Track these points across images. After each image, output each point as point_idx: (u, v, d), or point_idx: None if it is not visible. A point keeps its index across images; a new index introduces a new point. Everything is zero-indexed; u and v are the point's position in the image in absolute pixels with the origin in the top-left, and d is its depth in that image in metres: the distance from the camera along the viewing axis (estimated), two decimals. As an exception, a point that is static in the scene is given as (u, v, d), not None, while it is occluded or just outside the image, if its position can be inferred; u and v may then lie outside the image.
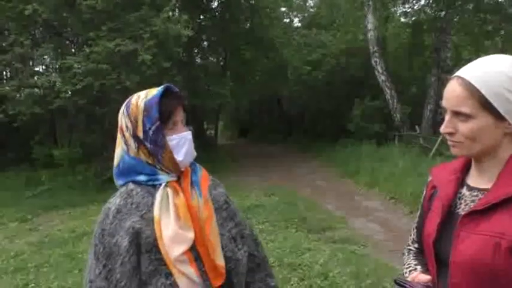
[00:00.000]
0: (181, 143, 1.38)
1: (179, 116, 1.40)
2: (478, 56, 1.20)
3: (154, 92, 1.38)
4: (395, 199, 8.28)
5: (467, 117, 1.13)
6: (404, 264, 1.40)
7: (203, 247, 1.33)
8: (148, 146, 1.35)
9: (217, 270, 1.34)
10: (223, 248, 1.39)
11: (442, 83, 14.63)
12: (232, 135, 30.37)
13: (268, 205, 7.98)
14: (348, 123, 16.61)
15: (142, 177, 1.37)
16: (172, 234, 1.28)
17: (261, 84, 21.39)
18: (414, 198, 7.17)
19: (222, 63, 20.31)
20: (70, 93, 10.92)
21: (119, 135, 1.42)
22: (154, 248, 1.29)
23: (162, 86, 1.39)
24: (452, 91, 1.16)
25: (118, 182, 1.41)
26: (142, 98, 1.38)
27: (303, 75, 19.33)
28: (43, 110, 11.12)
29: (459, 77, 1.15)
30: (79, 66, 10.65)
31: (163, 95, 1.37)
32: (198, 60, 18.96)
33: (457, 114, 1.15)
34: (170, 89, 1.41)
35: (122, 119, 1.40)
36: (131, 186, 1.38)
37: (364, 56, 16.96)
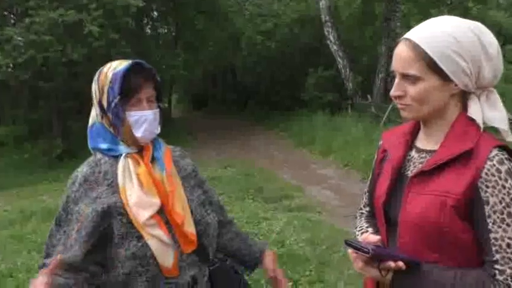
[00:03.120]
0: (141, 121, 1.39)
1: (145, 93, 1.40)
2: None
3: (123, 64, 1.38)
4: (348, 166, 8.51)
5: (415, 79, 1.13)
6: (356, 227, 1.43)
7: (171, 217, 1.37)
8: (110, 116, 1.37)
9: (188, 238, 1.38)
10: (192, 212, 1.43)
11: (392, 52, 14.96)
12: (186, 108, 29.93)
13: (225, 177, 7.98)
14: (302, 93, 16.72)
15: (104, 145, 1.41)
16: (137, 200, 1.33)
17: (214, 55, 21.07)
18: (367, 164, 7.38)
19: (173, 33, 19.77)
20: (11, 66, 10.31)
21: (93, 101, 1.44)
22: (122, 212, 1.33)
23: (131, 61, 1.38)
24: (400, 53, 1.15)
25: (89, 144, 1.45)
26: (111, 69, 1.38)
27: (256, 45, 19.16)
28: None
29: (407, 39, 1.15)
30: (20, 38, 10.03)
31: (132, 70, 1.36)
32: (148, 31, 18.34)
33: (405, 76, 1.15)
34: (141, 65, 1.40)
35: (93, 85, 1.41)
36: (99, 155, 1.42)
37: (317, 26, 16.97)
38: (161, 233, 1.33)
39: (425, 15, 16.12)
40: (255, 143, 12.93)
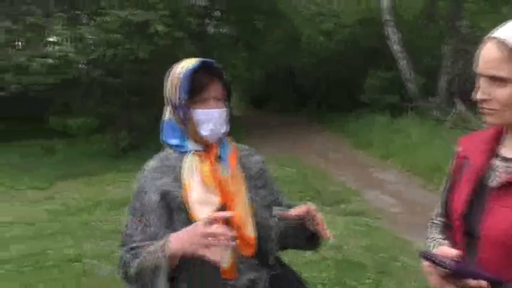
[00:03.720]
0: (207, 119, 1.40)
1: (212, 92, 1.42)
2: (495, 25, 1.11)
3: (193, 63, 1.41)
4: (409, 171, 8.21)
5: (504, 82, 1.06)
6: (428, 238, 1.34)
7: (231, 218, 1.35)
8: (179, 114, 1.41)
9: (247, 242, 1.37)
10: (255, 215, 1.41)
11: (458, 53, 14.29)
12: (245, 107, 30.22)
13: (282, 177, 7.94)
14: (361, 95, 16.37)
15: (174, 141, 1.45)
16: (198, 197, 1.35)
17: (273, 55, 21.11)
18: (430, 170, 7.11)
19: (234, 33, 20.03)
20: (83, 63, 10.91)
21: (165, 98, 1.48)
22: (184, 208, 1.35)
23: (199, 60, 1.41)
24: (488, 54, 1.08)
25: (161, 136, 1.50)
26: (182, 67, 1.42)
27: (315, 46, 18.98)
28: (57, 80, 11.13)
29: (496, 39, 1.07)
30: (91, 36, 10.58)
31: (201, 69, 1.39)
32: (211, 30, 18.70)
33: (493, 79, 1.08)
34: (207, 64, 1.42)
35: (166, 83, 1.45)
36: (168, 151, 1.47)
37: (378, 26, 16.53)
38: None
39: (495, 13, 15.25)
40: (312, 143, 12.82)
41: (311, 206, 1.38)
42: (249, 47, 18.78)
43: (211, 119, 1.40)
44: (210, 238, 1.19)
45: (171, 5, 10.87)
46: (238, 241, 1.33)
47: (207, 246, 1.20)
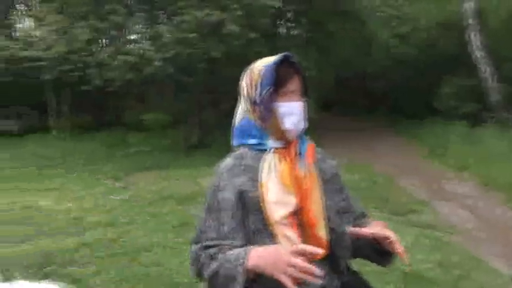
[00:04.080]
0: (290, 112, 1.40)
1: (294, 85, 1.41)
2: None
3: (273, 58, 1.41)
4: (487, 185, 7.70)
5: None
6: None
7: (305, 217, 1.34)
8: (260, 110, 1.40)
9: (319, 243, 1.33)
10: (328, 220, 1.38)
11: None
12: (314, 109, 30.05)
13: (349, 182, 7.73)
14: (436, 102, 15.62)
15: (252, 141, 1.44)
16: (275, 198, 1.33)
17: (345, 57, 20.75)
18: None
19: (306, 35, 19.92)
20: (160, 61, 11.37)
21: (240, 97, 1.48)
22: (259, 208, 1.34)
23: (281, 54, 1.41)
24: None
25: (233, 141, 1.50)
26: (261, 64, 1.42)
27: (390, 49, 18.38)
28: (135, 77, 11.72)
29: None
30: (168, 35, 11.00)
31: (281, 63, 1.39)
32: (283, 31, 18.74)
33: None
34: (289, 58, 1.42)
35: (243, 81, 1.45)
36: (243, 149, 1.46)
37: (459, 30, 15.67)
38: (293, 234, 1.32)
39: None
40: (382, 149, 12.46)
41: (389, 232, 1.34)
42: (321, 49, 18.60)
43: (294, 112, 1.39)
44: (295, 270, 1.15)
45: (246, 6, 11.02)
46: (310, 243, 1.31)
47: (290, 275, 1.15)
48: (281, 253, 1.19)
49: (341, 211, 1.46)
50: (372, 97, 22.42)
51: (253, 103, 1.41)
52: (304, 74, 1.44)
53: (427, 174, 9.05)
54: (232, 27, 10.53)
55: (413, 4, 18.64)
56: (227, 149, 1.56)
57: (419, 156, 11.24)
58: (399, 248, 1.33)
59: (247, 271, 1.23)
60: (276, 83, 1.38)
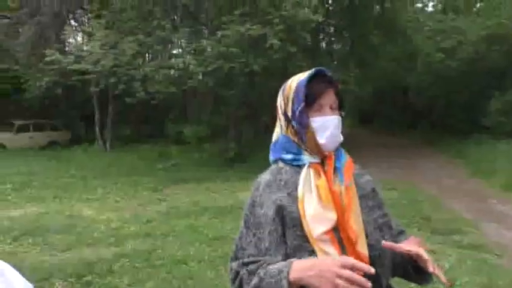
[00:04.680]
0: (324, 126, 1.38)
1: (328, 99, 1.40)
2: None
3: (306, 74, 1.41)
4: (537, 207, 7.31)
5: None
6: None
7: (345, 233, 1.31)
8: (295, 125, 1.40)
9: (361, 260, 1.27)
10: (367, 236, 1.33)
11: None
12: (353, 123, 29.66)
13: (388, 199, 7.51)
14: (483, 118, 15.05)
15: (288, 156, 1.43)
16: (314, 213, 1.30)
17: (386, 72, 20.45)
18: None
19: (347, 49, 19.80)
20: (201, 75, 11.59)
21: (278, 113, 1.48)
22: (298, 224, 1.31)
23: (314, 69, 1.41)
24: None
25: (271, 156, 1.49)
26: (295, 80, 1.42)
27: (434, 64, 17.94)
28: (177, 90, 11.98)
29: None
30: (211, 50, 11.22)
31: (315, 78, 1.39)
32: (324, 46, 18.70)
33: None
34: (322, 73, 1.41)
35: (279, 98, 1.46)
36: (280, 164, 1.45)
37: (508, 44, 15.11)
38: (333, 250, 1.27)
39: None
40: (423, 166, 12.09)
41: (422, 250, 1.26)
42: (362, 63, 18.42)
43: (328, 126, 1.38)
44: (344, 281, 1.12)
45: (287, 20, 11.09)
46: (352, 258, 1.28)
47: (337, 286, 1.12)
48: (329, 264, 1.16)
49: (381, 228, 1.41)
50: (413, 112, 21.93)
51: (288, 119, 1.41)
52: (339, 88, 1.43)
53: (472, 193, 8.69)
54: (273, 41, 10.61)
55: (458, 18, 18.17)
56: (264, 163, 1.55)
57: (464, 174, 10.83)
58: (432, 267, 1.25)
59: (291, 284, 1.20)
60: (311, 96, 1.38)
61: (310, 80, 1.38)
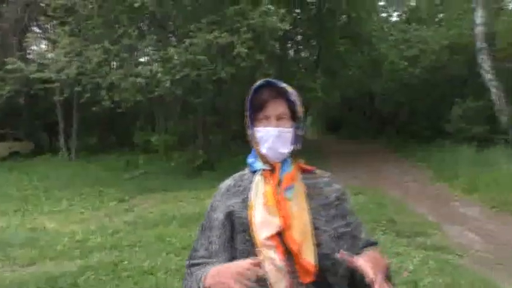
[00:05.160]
0: (265, 137, 1.40)
1: (273, 110, 1.41)
2: None
3: (257, 83, 1.43)
4: (497, 208, 7.57)
5: None
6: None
7: (288, 240, 1.32)
8: (248, 132, 1.45)
9: (306, 268, 1.30)
10: (320, 245, 1.34)
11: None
12: (320, 130, 30.06)
13: (355, 204, 7.62)
14: (446, 124, 15.56)
15: (250, 160, 1.48)
16: (260, 219, 1.34)
17: (353, 80, 20.87)
18: (522, 209, 6.51)
19: (314, 57, 20.11)
20: (168, 83, 11.50)
21: None
22: (247, 229, 1.35)
23: (263, 80, 1.42)
24: None
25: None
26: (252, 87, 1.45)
27: (398, 72, 18.47)
28: (144, 98, 11.84)
29: None
30: (178, 58, 11.15)
31: (264, 87, 1.41)
32: (291, 53, 18.92)
33: None
34: (271, 83, 1.42)
35: None
36: (245, 171, 1.50)
37: (469, 53, 15.71)
38: (276, 256, 1.29)
39: None
40: (388, 171, 12.36)
41: (370, 271, 1.21)
42: (329, 71, 18.74)
43: (268, 137, 1.39)
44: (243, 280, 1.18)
45: (254, 28, 11.17)
46: (297, 267, 1.30)
47: (235, 281, 1.19)
48: (229, 270, 1.22)
49: (342, 237, 1.40)
50: (379, 119, 22.44)
51: (246, 125, 1.45)
52: (292, 99, 1.41)
53: (435, 197, 8.93)
54: (240, 49, 10.66)
55: (421, 28, 18.78)
56: (233, 171, 1.57)
57: (427, 179, 11.14)
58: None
59: None
60: (255, 107, 1.41)
61: (261, 89, 1.40)
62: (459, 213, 7.56)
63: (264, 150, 1.40)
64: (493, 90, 14.27)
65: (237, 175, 1.51)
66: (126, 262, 5.11)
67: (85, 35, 13.11)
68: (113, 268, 4.91)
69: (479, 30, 14.47)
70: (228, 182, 1.49)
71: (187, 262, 1.43)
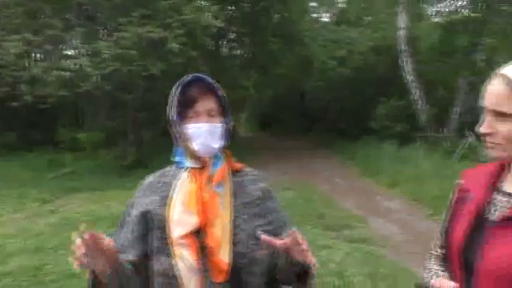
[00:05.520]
0: (197, 134, 1.38)
1: (204, 106, 1.39)
2: (510, 61, 1.12)
3: (184, 79, 1.41)
4: (416, 201, 8.12)
5: (508, 117, 1.06)
6: (426, 269, 1.32)
7: (206, 239, 1.31)
8: (174, 130, 1.41)
9: (218, 266, 1.30)
10: (237, 244, 1.34)
11: (472, 86, 14.29)
12: (253, 127, 30.38)
13: (285, 199, 7.88)
14: (371, 122, 16.38)
15: (176, 158, 1.46)
16: (176, 217, 1.33)
17: (285, 78, 21.29)
18: (437, 200, 7.02)
19: (248, 55, 20.27)
20: (98, 77, 11.06)
21: None
22: (162, 227, 1.34)
23: (192, 75, 1.40)
24: (494, 89, 1.09)
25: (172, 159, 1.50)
26: (177, 84, 1.42)
27: (328, 71, 19.14)
28: (70, 93, 11.28)
29: (503, 75, 1.08)
30: (107, 52, 10.75)
31: (192, 83, 1.39)
32: (225, 51, 18.92)
33: (497, 113, 1.08)
34: (200, 79, 1.40)
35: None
36: (169, 167, 1.48)
37: (393, 55, 16.66)
38: (188, 255, 1.29)
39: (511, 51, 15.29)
40: (317, 167, 12.77)
41: (296, 233, 1.25)
42: (261, 69, 18.97)
43: (201, 133, 1.37)
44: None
45: (188, 24, 11.04)
46: (210, 265, 1.29)
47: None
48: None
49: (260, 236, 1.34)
50: (310, 117, 23.10)
51: (170, 123, 1.42)
52: (220, 94, 1.42)
53: (361, 191, 9.38)
54: (172, 45, 10.48)
55: (349, 30, 19.56)
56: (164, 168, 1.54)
57: (354, 174, 11.65)
58: (304, 250, 1.26)
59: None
60: (184, 104, 1.38)
61: (189, 85, 1.38)
62: (382, 207, 8.01)
63: (196, 146, 1.38)
64: (414, 90, 15.24)
65: (159, 172, 1.49)
66: (50, 266, 4.86)
67: (3, 25, 12.22)
68: (34, 273, 4.66)
69: (401, 33, 15.36)
70: (149, 179, 1.48)
71: None
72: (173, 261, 1.30)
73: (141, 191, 1.45)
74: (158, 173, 1.48)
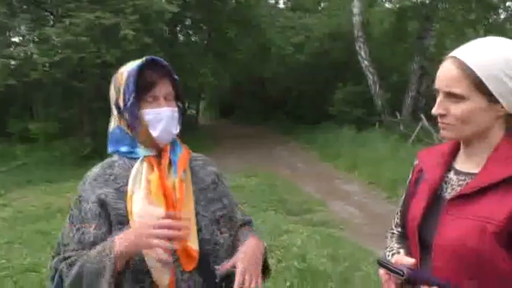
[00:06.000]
0: (157, 119, 1.31)
1: (162, 90, 1.33)
2: (460, 45, 1.15)
3: (137, 62, 1.32)
4: (373, 184, 8.37)
5: (459, 98, 1.10)
6: (387, 248, 1.37)
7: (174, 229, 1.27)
8: (127, 117, 1.32)
9: (189, 254, 1.28)
10: (201, 230, 1.33)
11: (425, 71, 14.80)
12: (213, 115, 30.19)
13: (248, 186, 7.97)
14: (329, 107, 16.64)
15: (123, 148, 1.36)
16: (141, 210, 1.26)
17: (243, 64, 21.20)
18: (393, 183, 7.27)
19: (205, 41, 20.02)
20: (47, 65, 10.61)
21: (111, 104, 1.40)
22: (124, 221, 1.27)
23: (146, 57, 1.33)
24: (446, 71, 1.12)
25: (108, 149, 1.40)
26: (126, 68, 1.33)
27: (286, 57, 19.21)
28: (18, 82, 10.77)
29: (454, 58, 1.12)
30: (57, 38, 10.32)
31: (147, 67, 1.31)
32: (181, 38, 18.60)
33: (449, 95, 1.11)
34: (156, 62, 1.34)
35: (110, 88, 1.37)
36: (115, 157, 1.39)
37: (348, 41, 16.93)
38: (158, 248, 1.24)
39: (460, 35, 15.93)
40: (279, 154, 12.89)
41: (240, 265, 1.28)
42: (219, 56, 18.80)
43: (162, 118, 1.31)
44: (155, 240, 1.18)
45: (141, 10, 10.74)
46: (179, 254, 1.27)
47: (151, 247, 1.19)
48: (143, 227, 1.20)
49: (220, 220, 1.39)
50: (269, 103, 23.18)
51: (120, 110, 1.33)
52: (176, 78, 1.37)
53: (321, 176, 9.56)
54: (126, 31, 10.18)
55: (306, 16, 19.67)
56: None
57: (314, 159, 11.84)
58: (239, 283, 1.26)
59: (117, 258, 1.19)
60: (142, 87, 1.30)
61: (143, 69, 1.31)
62: (341, 190, 8.20)
63: (156, 132, 1.30)
64: (369, 76, 15.59)
65: (105, 162, 1.39)
66: (4, 261, 4.70)
67: None
68: (-14, 268, 4.48)
69: (356, 19, 15.61)
70: (95, 170, 1.37)
71: (56, 258, 1.29)
72: (143, 255, 1.24)
73: (87, 183, 1.34)
74: (104, 164, 1.38)
